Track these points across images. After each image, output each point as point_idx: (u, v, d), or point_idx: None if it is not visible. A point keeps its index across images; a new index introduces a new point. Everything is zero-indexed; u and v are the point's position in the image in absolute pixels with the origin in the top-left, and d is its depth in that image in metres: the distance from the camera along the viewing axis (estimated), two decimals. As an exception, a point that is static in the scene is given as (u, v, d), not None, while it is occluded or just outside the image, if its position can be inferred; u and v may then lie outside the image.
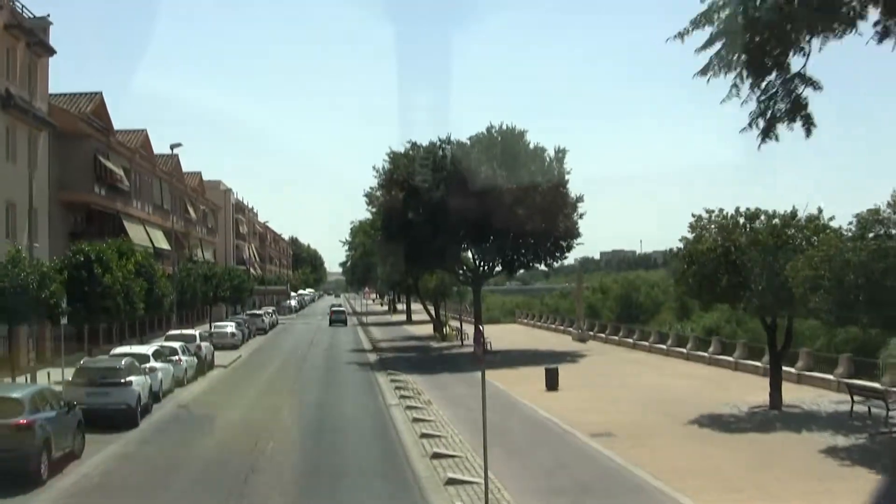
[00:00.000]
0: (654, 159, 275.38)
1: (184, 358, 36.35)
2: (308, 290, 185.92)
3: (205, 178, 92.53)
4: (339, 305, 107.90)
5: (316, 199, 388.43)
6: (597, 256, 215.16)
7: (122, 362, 26.69)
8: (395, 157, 51.45)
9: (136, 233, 55.03)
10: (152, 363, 30.89)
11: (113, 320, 36.45)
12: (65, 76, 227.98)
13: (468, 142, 50.38)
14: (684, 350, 44.79)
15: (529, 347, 55.42)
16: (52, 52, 42.60)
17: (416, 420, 25.94)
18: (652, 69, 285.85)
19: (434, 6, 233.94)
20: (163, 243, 62.81)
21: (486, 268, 54.78)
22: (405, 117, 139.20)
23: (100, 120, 50.60)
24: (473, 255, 54.61)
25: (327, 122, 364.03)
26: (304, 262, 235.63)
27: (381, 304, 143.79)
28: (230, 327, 58.35)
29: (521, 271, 57.91)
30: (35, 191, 40.29)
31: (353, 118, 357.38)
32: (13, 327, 25.85)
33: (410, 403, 29.47)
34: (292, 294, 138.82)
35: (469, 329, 59.71)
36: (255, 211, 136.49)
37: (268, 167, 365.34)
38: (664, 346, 47.87)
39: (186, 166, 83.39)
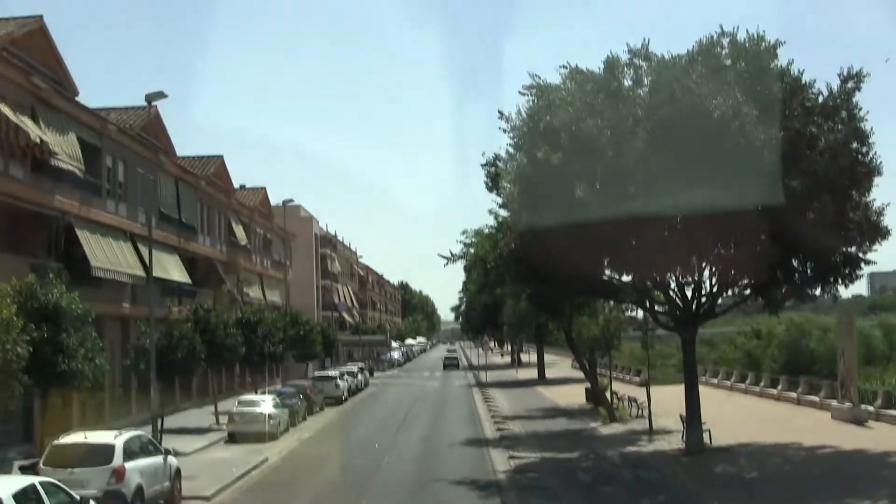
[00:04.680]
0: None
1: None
2: (418, 340, 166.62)
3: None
4: (454, 351, 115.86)
5: (426, 246, 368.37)
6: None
7: None
8: (543, 91, 25.89)
9: (103, 251, 33.12)
10: None
11: None
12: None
13: (680, 58, 26.08)
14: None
15: (776, 440, 30.95)
16: None
17: None
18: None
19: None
20: (175, 273, 40.96)
21: (703, 297, 29.83)
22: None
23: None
24: (681, 277, 29.40)
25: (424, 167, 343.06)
26: (416, 309, 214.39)
27: (503, 356, 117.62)
28: (265, 405, 35.26)
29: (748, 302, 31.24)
30: None
31: (447, 159, 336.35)
32: None
33: None
34: (394, 345, 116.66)
35: (664, 401, 35.85)
36: (353, 249, 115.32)
37: (371, 212, 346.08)
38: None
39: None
